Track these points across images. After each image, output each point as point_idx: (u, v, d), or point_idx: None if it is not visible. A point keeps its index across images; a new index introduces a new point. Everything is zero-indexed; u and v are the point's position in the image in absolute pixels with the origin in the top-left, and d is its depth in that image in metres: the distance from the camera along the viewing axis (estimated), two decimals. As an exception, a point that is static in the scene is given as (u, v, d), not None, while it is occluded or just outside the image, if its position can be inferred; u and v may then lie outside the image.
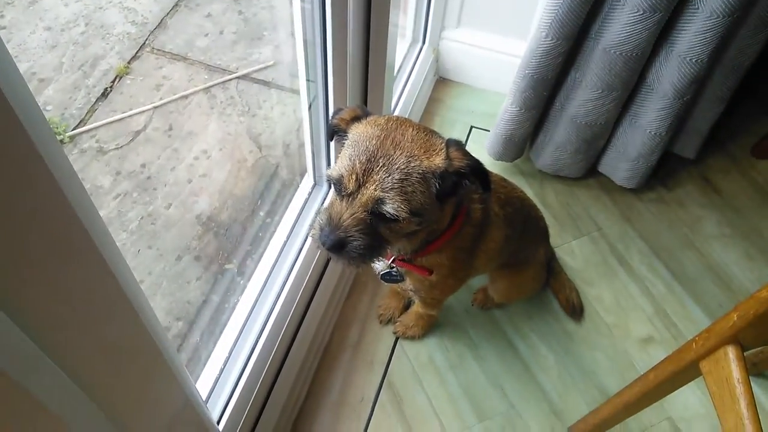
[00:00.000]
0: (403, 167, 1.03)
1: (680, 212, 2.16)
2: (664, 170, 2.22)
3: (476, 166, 1.08)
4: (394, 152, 1.04)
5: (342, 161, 1.07)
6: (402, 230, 1.10)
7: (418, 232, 1.17)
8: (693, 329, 1.83)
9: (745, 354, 1.09)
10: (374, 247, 1.10)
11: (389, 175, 1.03)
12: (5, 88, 0.45)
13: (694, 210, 2.17)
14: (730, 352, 1.09)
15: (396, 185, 1.02)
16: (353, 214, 1.05)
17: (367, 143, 1.05)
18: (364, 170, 1.03)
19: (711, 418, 1.66)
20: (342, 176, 1.05)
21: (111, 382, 0.76)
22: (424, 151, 1.06)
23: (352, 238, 1.06)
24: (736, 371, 1.07)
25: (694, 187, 2.23)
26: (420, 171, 1.04)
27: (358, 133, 1.09)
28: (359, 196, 1.04)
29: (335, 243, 1.06)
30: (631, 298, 1.93)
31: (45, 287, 0.58)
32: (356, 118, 1.14)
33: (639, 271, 1.99)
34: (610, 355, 1.81)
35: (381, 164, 1.03)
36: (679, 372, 1.20)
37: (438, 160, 1.05)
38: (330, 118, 1.20)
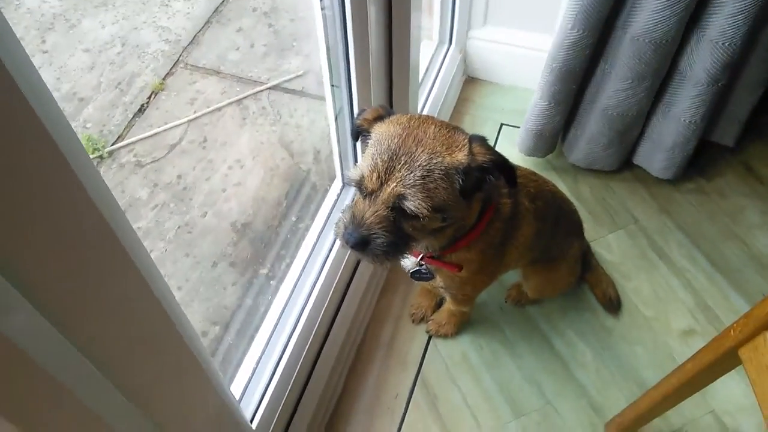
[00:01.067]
0: (424, 164, 1.03)
1: (721, 202, 2.09)
2: (702, 159, 2.16)
3: (499, 161, 1.07)
4: (416, 149, 1.04)
5: (365, 160, 1.08)
6: (426, 227, 1.10)
7: (445, 228, 1.17)
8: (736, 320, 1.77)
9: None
10: (398, 244, 1.10)
11: (411, 172, 1.03)
12: (41, 113, 0.48)
13: (736, 199, 2.10)
14: (770, 338, 1.05)
15: (418, 182, 1.03)
16: (376, 211, 1.06)
17: (389, 142, 1.06)
18: (386, 168, 1.04)
19: (757, 411, 1.59)
20: (363, 175, 1.06)
21: (151, 388, 0.79)
22: (447, 148, 1.06)
23: (375, 236, 1.07)
24: (776, 357, 1.04)
25: (735, 176, 2.16)
26: (442, 167, 1.04)
27: (380, 132, 1.10)
28: (381, 193, 1.05)
29: (358, 241, 1.07)
30: (671, 291, 1.88)
31: (83, 292, 0.61)
32: (379, 118, 1.14)
33: (679, 263, 1.94)
34: (650, 348, 1.76)
35: (403, 162, 1.04)
36: (718, 360, 1.16)
37: (460, 156, 1.05)
38: (354, 119, 1.21)
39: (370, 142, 1.11)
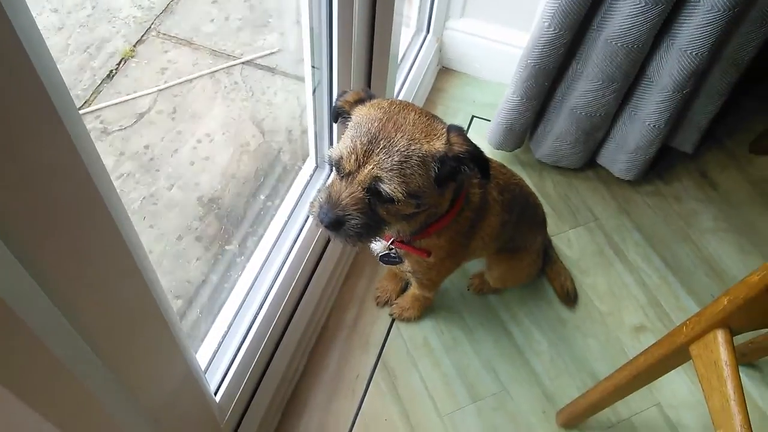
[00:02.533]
0: (403, 150, 1.05)
1: (677, 206, 2.18)
2: (662, 164, 2.24)
3: (476, 153, 1.10)
4: (395, 135, 1.06)
5: (344, 142, 1.10)
6: (400, 211, 1.13)
7: (418, 214, 1.20)
8: (685, 319, 1.85)
9: (735, 344, 1.11)
10: (371, 227, 1.12)
11: (389, 157, 1.05)
12: (34, 59, 0.48)
13: (691, 204, 2.19)
14: (720, 335, 1.11)
15: (395, 166, 1.05)
16: (352, 193, 1.08)
17: (369, 125, 1.08)
18: (365, 151, 1.06)
19: (699, 406, 1.69)
20: (342, 156, 1.08)
21: (121, 346, 0.79)
22: (425, 135, 1.08)
23: (350, 217, 1.09)
24: (724, 354, 1.10)
25: (691, 182, 2.25)
26: (420, 154, 1.06)
27: (361, 115, 1.11)
28: (358, 175, 1.07)
29: (333, 221, 1.09)
30: (625, 288, 1.96)
31: (61, 245, 0.61)
32: (360, 101, 1.16)
33: (634, 261, 2.02)
34: (602, 342, 1.83)
35: (381, 146, 1.06)
36: (669, 355, 1.23)
37: (438, 145, 1.07)
38: (335, 100, 1.22)
39: (350, 124, 1.12)
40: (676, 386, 1.74)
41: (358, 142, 1.07)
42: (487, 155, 1.13)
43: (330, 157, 1.12)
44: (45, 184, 0.55)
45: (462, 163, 1.10)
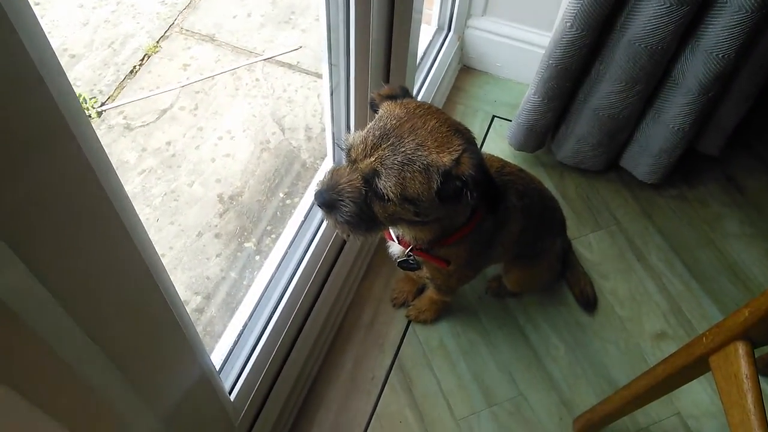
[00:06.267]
0: (408, 152, 1.04)
1: (701, 210, 2.14)
2: (686, 167, 2.20)
3: (479, 179, 1.05)
4: (407, 136, 1.05)
5: (360, 131, 1.10)
6: (395, 214, 1.12)
7: (428, 223, 1.19)
8: (707, 327, 1.81)
9: (756, 355, 1.08)
10: (363, 220, 1.12)
11: (393, 155, 1.05)
12: (39, 65, 0.48)
13: (716, 208, 2.14)
14: (740, 348, 1.09)
15: (395, 166, 1.04)
16: (350, 180, 1.09)
17: (387, 121, 1.08)
18: (374, 144, 1.06)
19: (720, 416, 1.65)
20: (353, 144, 1.09)
21: (132, 350, 0.80)
22: (437, 146, 1.05)
23: (342, 203, 1.09)
24: (744, 367, 1.07)
25: (717, 186, 2.20)
26: (423, 162, 1.04)
27: (385, 110, 1.12)
28: (360, 165, 1.07)
29: (325, 202, 1.10)
30: (647, 294, 1.92)
31: (68, 249, 0.61)
32: (391, 97, 1.16)
33: (656, 266, 1.99)
34: (622, 348, 1.81)
35: (390, 142, 1.05)
36: (688, 366, 1.20)
37: (446, 159, 1.04)
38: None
39: (376, 117, 1.13)
40: (698, 395, 1.71)
41: (371, 134, 1.07)
42: (498, 187, 1.10)
43: (345, 141, 1.12)
44: (55, 195, 0.55)
45: (466, 187, 1.06)
